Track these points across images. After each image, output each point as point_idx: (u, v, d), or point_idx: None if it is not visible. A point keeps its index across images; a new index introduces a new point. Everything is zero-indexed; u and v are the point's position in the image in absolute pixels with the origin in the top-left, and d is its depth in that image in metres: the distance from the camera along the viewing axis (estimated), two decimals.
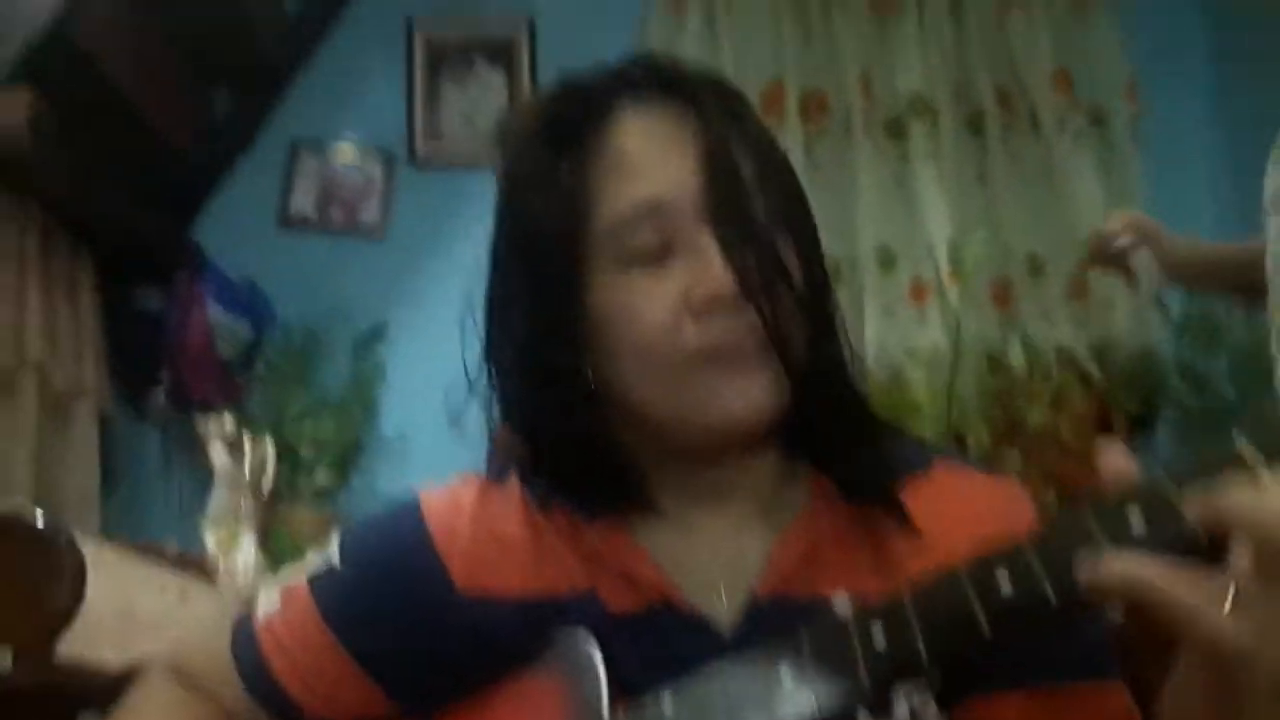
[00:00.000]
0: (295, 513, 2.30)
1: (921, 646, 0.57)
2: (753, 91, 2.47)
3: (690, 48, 2.66)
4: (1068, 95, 2.66)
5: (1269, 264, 1.44)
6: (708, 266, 0.69)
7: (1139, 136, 2.65)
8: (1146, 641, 0.53)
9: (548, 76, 2.78)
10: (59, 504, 2.02)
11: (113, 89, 2.08)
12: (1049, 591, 0.54)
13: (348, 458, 2.42)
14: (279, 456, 2.26)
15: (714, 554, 0.75)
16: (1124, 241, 1.60)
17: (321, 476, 2.34)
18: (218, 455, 2.17)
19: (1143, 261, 1.60)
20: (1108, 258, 1.66)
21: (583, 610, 0.72)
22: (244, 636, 0.79)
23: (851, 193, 2.60)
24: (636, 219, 0.70)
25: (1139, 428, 2.41)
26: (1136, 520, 0.53)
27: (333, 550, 0.80)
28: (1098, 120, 2.66)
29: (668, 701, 0.65)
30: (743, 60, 2.65)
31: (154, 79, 2.24)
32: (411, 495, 0.80)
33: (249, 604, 0.81)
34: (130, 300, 2.42)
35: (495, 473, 0.80)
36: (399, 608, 0.75)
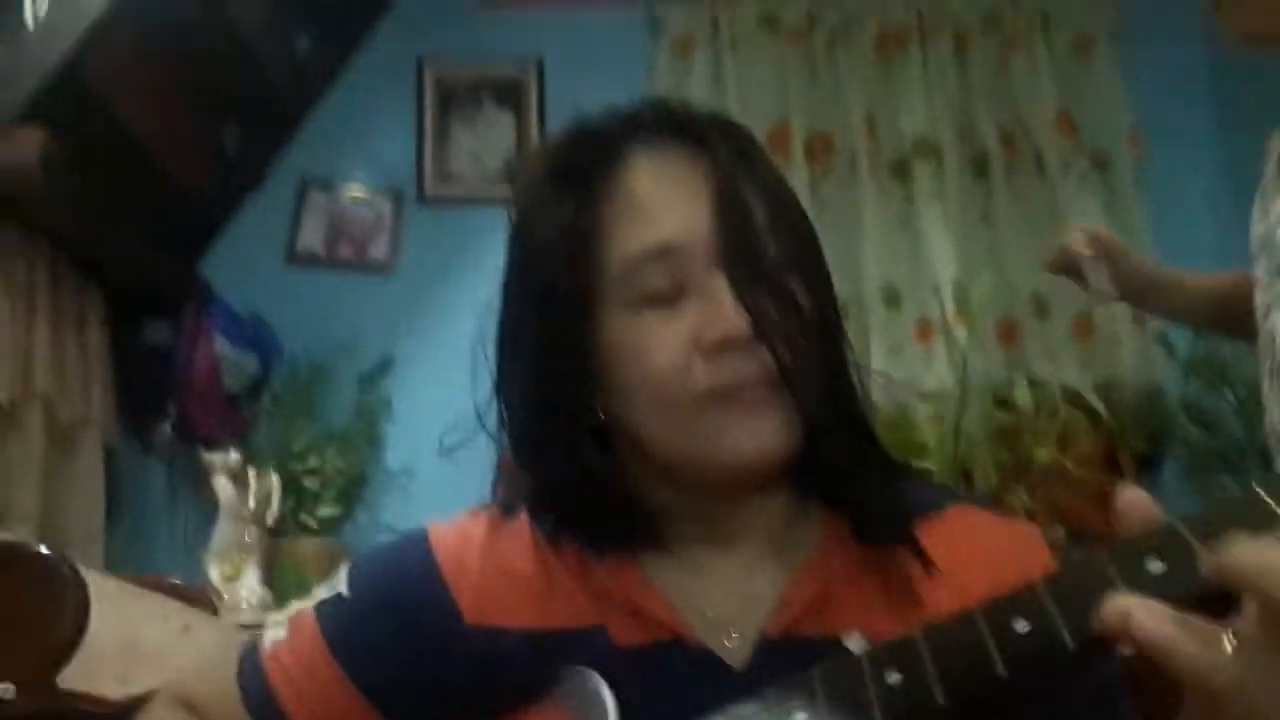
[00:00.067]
0: (300, 546, 2.30)
1: (936, 688, 0.57)
2: (758, 133, 2.47)
3: (697, 89, 2.69)
4: (1072, 138, 2.69)
5: (1257, 311, 1.45)
6: (719, 308, 0.69)
7: (1142, 181, 2.67)
8: (1158, 682, 0.53)
9: (556, 117, 2.85)
10: (64, 536, 2.02)
11: (123, 129, 2.10)
12: (1065, 635, 0.54)
13: (353, 491, 2.42)
14: (284, 489, 2.26)
15: (724, 592, 0.74)
16: (1082, 253, 1.63)
17: (326, 509, 2.34)
18: (222, 488, 2.17)
19: (1097, 274, 1.63)
20: (1065, 267, 1.68)
21: (591, 644, 0.72)
22: (250, 666, 0.78)
23: (857, 233, 2.61)
24: (648, 262, 0.71)
25: (1146, 466, 2.41)
26: (1154, 567, 0.52)
27: (341, 581, 0.80)
28: (1101, 164, 2.68)
29: None
30: (749, 102, 2.68)
31: (164, 119, 2.26)
32: (420, 528, 0.80)
33: (254, 635, 0.81)
34: (138, 334, 2.43)
35: (504, 507, 0.80)
36: (406, 639, 0.75)
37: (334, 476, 2.37)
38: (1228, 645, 0.49)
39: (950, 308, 2.50)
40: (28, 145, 1.83)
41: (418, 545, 0.78)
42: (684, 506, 0.75)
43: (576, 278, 0.71)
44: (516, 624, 0.74)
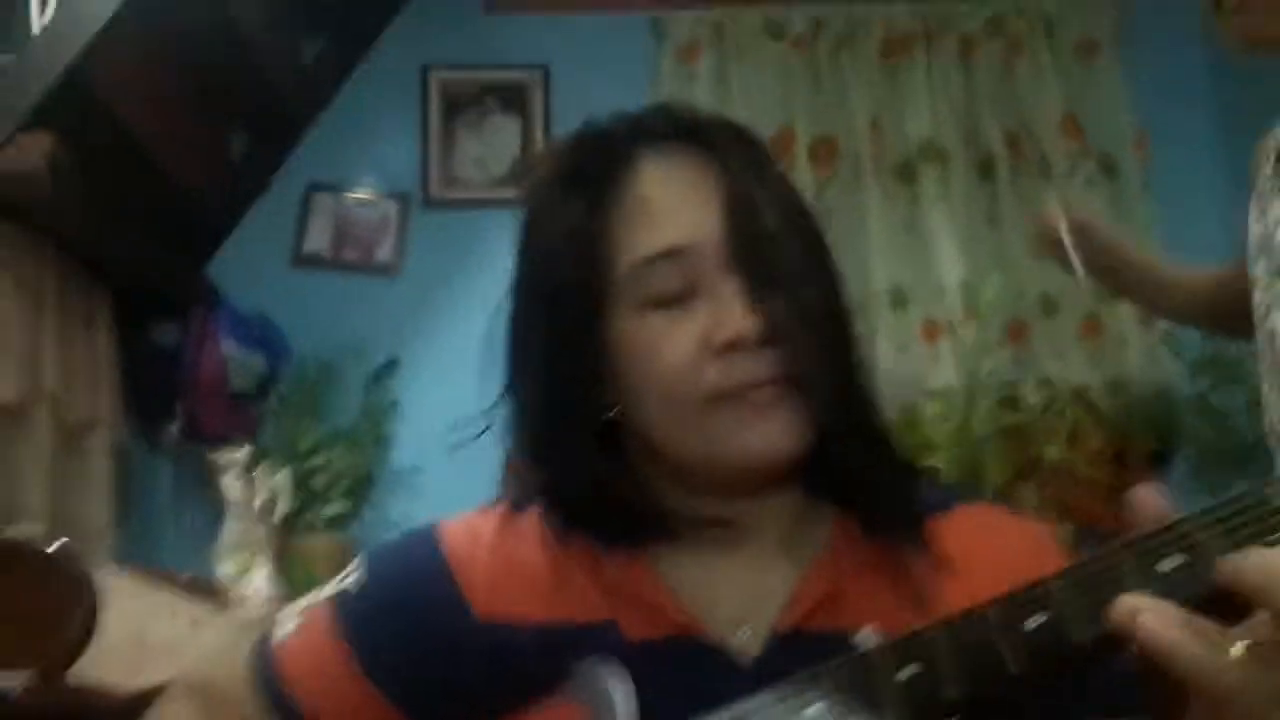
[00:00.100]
0: (308, 544, 2.30)
1: (950, 683, 0.57)
2: (763, 138, 2.50)
3: (701, 95, 2.70)
4: (1078, 141, 2.69)
5: (1256, 311, 1.46)
6: (729, 310, 0.69)
7: (1148, 184, 2.67)
8: (1167, 682, 0.53)
9: (561, 123, 2.86)
10: (73, 534, 2.00)
11: (129, 133, 2.11)
12: (1079, 631, 0.54)
13: (360, 490, 2.42)
14: (292, 487, 2.27)
15: (735, 588, 0.74)
16: (1062, 233, 1.65)
17: (334, 507, 2.35)
18: (230, 487, 2.17)
19: (1073, 252, 1.65)
20: (1048, 247, 1.71)
21: (602, 638, 0.72)
22: (262, 657, 0.79)
23: (862, 237, 2.61)
24: (658, 264, 0.71)
25: (1155, 465, 2.40)
26: (1168, 566, 0.52)
27: (352, 575, 0.80)
28: (1108, 168, 2.68)
29: None
30: (753, 107, 2.68)
31: (171, 123, 2.27)
32: (429, 524, 0.81)
33: (265, 628, 0.82)
34: (146, 335, 2.44)
35: (515, 504, 0.80)
36: (417, 634, 0.75)
37: (341, 475, 2.38)
38: (1233, 650, 0.49)
39: (958, 310, 2.50)
40: (35, 150, 1.83)
41: (427, 541, 0.79)
42: (695, 505, 0.75)
43: (586, 279, 0.72)
44: (527, 618, 0.74)
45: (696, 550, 0.76)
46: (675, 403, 0.71)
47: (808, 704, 0.60)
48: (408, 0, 2.81)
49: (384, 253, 2.70)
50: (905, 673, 0.58)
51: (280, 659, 0.78)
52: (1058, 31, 2.79)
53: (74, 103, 1.91)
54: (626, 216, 0.72)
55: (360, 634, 0.76)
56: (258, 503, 2.16)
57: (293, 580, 2.14)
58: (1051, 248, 1.70)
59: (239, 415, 2.41)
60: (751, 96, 2.71)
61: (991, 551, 0.74)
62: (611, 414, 0.74)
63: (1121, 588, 0.52)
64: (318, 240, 2.70)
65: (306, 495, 2.33)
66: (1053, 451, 2.13)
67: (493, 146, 2.78)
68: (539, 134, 2.77)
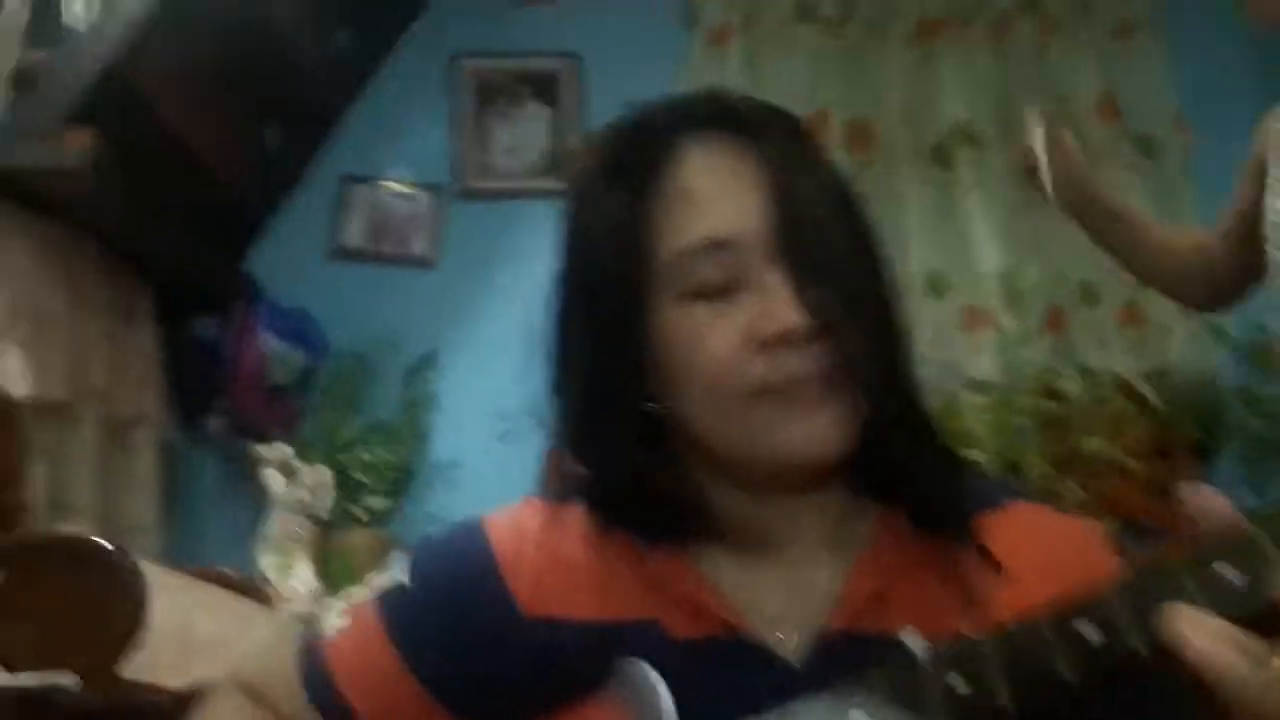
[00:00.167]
0: (349, 537, 2.33)
1: (1001, 692, 0.55)
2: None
3: (733, 80, 2.68)
4: (1116, 123, 2.65)
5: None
6: (775, 302, 0.68)
7: (1190, 166, 2.63)
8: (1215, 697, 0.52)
9: (593, 111, 2.84)
10: (120, 529, 2.05)
11: (169, 129, 2.14)
12: (1136, 642, 0.52)
13: (400, 483, 2.44)
14: (333, 481, 2.29)
15: (779, 587, 0.74)
16: (1036, 147, 1.63)
17: (374, 501, 2.37)
18: (273, 481, 2.19)
19: (1045, 172, 1.63)
20: (1031, 172, 1.69)
21: (646, 636, 0.72)
22: (311, 654, 0.79)
23: (899, 222, 2.59)
24: (700, 254, 0.70)
25: (1200, 456, 2.37)
26: (1227, 575, 0.51)
27: (400, 571, 0.80)
28: (1148, 150, 2.64)
29: None
30: (785, 93, 2.66)
31: (208, 118, 2.29)
32: (475, 518, 0.81)
33: (308, 625, 0.82)
34: (188, 330, 2.47)
35: (558, 498, 0.80)
36: (463, 630, 0.75)
37: (381, 468, 2.40)
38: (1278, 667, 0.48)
39: (997, 296, 2.47)
40: (77, 146, 1.86)
41: (475, 536, 0.79)
42: (738, 502, 0.74)
43: (628, 270, 0.71)
44: (572, 615, 0.74)
45: (740, 548, 0.75)
46: (719, 397, 0.70)
47: (852, 707, 0.60)
48: None
49: (420, 245, 2.71)
50: (955, 679, 0.57)
51: (328, 657, 0.78)
52: (1095, 11, 2.74)
53: (114, 99, 1.94)
54: (669, 206, 0.71)
55: (407, 631, 0.77)
56: (299, 497, 2.18)
57: (332, 575, 2.17)
58: (1032, 173, 1.67)
59: (279, 409, 2.43)
60: (783, 81, 2.70)
61: (1043, 552, 0.72)
62: (655, 407, 0.73)
63: (1181, 596, 0.51)
64: (354, 233, 2.72)
65: (346, 489, 2.35)
66: (1094, 443, 2.10)
67: (525, 135, 2.78)
68: (571, 122, 2.77)
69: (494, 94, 2.80)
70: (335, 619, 0.81)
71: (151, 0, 1.92)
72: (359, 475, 2.37)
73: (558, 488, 0.80)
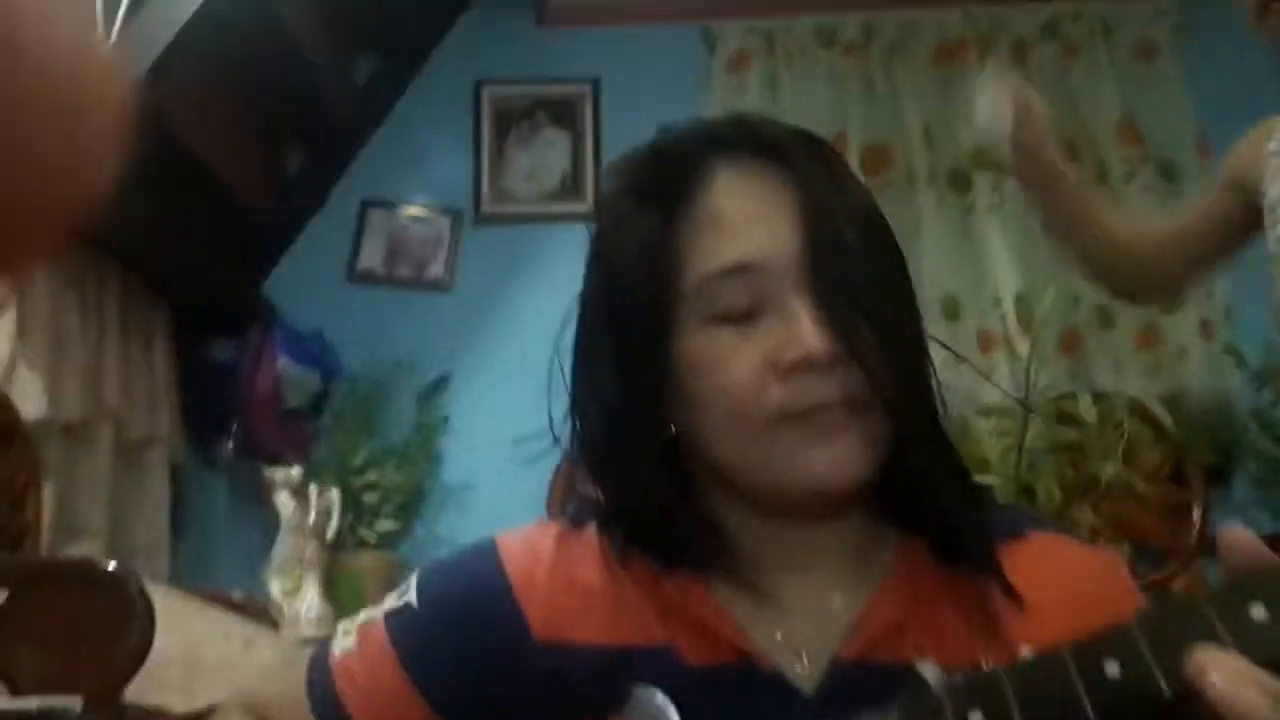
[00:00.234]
0: (359, 560, 2.33)
1: None
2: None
3: (752, 103, 2.69)
4: (1136, 146, 2.63)
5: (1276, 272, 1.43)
6: (798, 328, 0.67)
7: (1210, 188, 2.61)
8: None
9: (611, 136, 2.85)
10: (130, 550, 2.06)
11: (190, 152, 2.16)
12: (1160, 681, 0.51)
13: (411, 505, 2.45)
14: (343, 504, 2.29)
15: (796, 615, 0.73)
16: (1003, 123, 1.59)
17: (385, 524, 2.37)
18: (283, 504, 2.20)
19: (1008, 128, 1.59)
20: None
21: (660, 662, 0.70)
22: (319, 675, 0.79)
23: (915, 244, 2.59)
24: (727, 278, 0.69)
25: (1215, 479, 2.34)
26: (1256, 614, 0.50)
27: (410, 591, 0.80)
28: (1168, 173, 2.62)
29: None
30: (804, 115, 2.66)
31: (229, 142, 2.32)
32: (489, 539, 0.80)
33: (320, 644, 0.82)
34: (204, 352, 2.49)
35: (573, 520, 0.80)
36: (475, 653, 0.74)
37: (392, 491, 2.40)
38: None
39: (1012, 319, 2.46)
40: None
41: (488, 557, 0.78)
42: (756, 528, 0.73)
43: (654, 292, 0.71)
44: (585, 640, 0.73)
45: (758, 574, 0.74)
46: (739, 422, 0.69)
47: None
48: (459, 16, 2.84)
49: (436, 269, 2.73)
50: (971, 712, 0.55)
51: (337, 678, 0.78)
52: (1115, 34, 2.73)
53: (136, 123, 1.95)
54: (698, 229, 0.71)
55: (417, 653, 0.76)
56: (310, 520, 2.18)
57: (340, 598, 2.16)
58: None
59: (293, 432, 2.44)
60: (803, 104, 2.70)
61: (1064, 584, 0.71)
62: (673, 431, 0.72)
63: (1208, 636, 0.50)
64: (371, 257, 2.73)
65: (357, 512, 2.35)
66: (1109, 469, 2.07)
67: (544, 160, 2.80)
68: (589, 147, 2.78)
69: (513, 119, 2.81)
70: (342, 639, 0.80)
71: (175, 23, 1.94)
72: (370, 498, 2.37)
73: (574, 510, 0.80)
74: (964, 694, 0.56)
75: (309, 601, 2.09)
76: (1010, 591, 0.70)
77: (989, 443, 2.09)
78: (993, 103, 1.58)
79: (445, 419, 2.55)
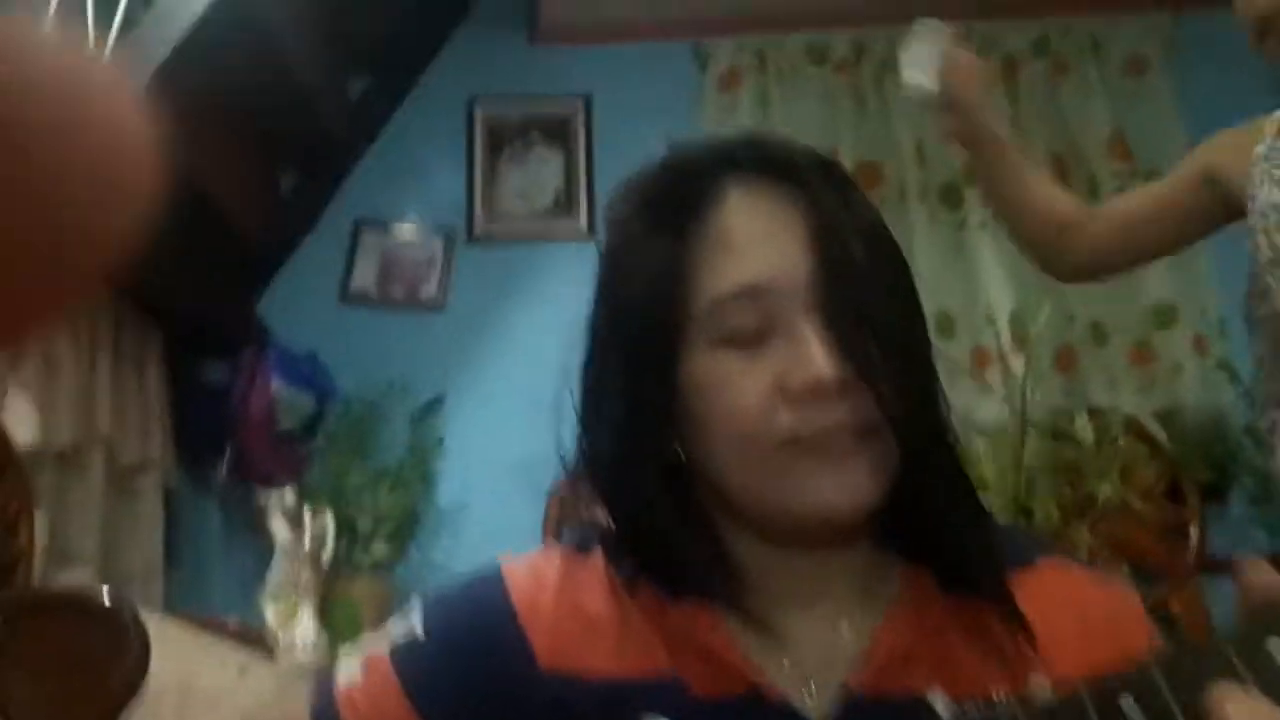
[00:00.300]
0: (354, 585, 2.31)
1: None
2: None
3: (744, 121, 2.70)
4: (1126, 161, 2.64)
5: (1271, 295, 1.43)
6: (806, 353, 0.67)
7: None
8: None
9: (604, 153, 2.85)
10: (124, 576, 2.04)
11: (181, 171, 2.14)
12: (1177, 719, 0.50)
13: (405, 529, 2.43)
14: (338, 529, 2.28)
15: (804, 644, 0.72)
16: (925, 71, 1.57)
17: (379, 549, 2.35)
18: (278, 528, 2.18)
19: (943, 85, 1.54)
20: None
21: (665, 692, 0.70)
22: (324, 704, 0.78)
23: (908, 262, 2.58)
24: (736, 301, 0.69)
25: (1211, 496, 2.34)
26: (1268, 658, 0.49)
27: (415, 619, 0.79)
28: None
29: None
30: (796, 131, 2.67)
31: (223, 162, 2.31)
32: (493, 565, 0.79)
33: (315, 674, 0.81)
34: (196, 374, 2.47)
35: (577, 546, 0.79)
36: (479, 681, 0.74)
37: (387, 516, 2.38)
38: None
39: (1006, 337, 2.46)
40: None
41: (492, 584, 0.77)
42: (764, 557, 0.73)
43: (663, 315, 0.70)
44: (591, 670, 0.72)
45: (765, 603, 0.73)
46: (747, 446, 0.68)
47: None
48: (452, 33, 2.84)
49: (429, 289, 2.72)
50: None
51: (341, 708, 0.77)
52: (1105, 50, 2.75)
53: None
54: (710, 250, 0.70)
55: (422, 683, 0.75)
56: (305, 545, 2.17)
57: (335, 624, 2.14)
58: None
59: (286, 455, 2.43)
60: (794, 121, 2.71)
61: (1076, 613, 0.71)
62: (681, 457, 0.72)
63: (1227, 673, 0.49)
64: (365, 277, 2.73)
65: (352, 536, 2.33)
66: (1106, 488, 2.07)
67: (537, 179, 2.80)
68: (581, 164, 2.78)
69: (506, 137, 2.81)
70: (346, 667, 0.80)
71: (166, 43, 1.93)
72: (364, 522, 2.35)
73: (579, 536, 0.79)
74: None
75: (304, 628, 2.08)
76: (1020, 620, 0.69)
77: (986, 463, 2.09)
78: (921, 59, 1.55)
79: (440, 441, 2.54)
